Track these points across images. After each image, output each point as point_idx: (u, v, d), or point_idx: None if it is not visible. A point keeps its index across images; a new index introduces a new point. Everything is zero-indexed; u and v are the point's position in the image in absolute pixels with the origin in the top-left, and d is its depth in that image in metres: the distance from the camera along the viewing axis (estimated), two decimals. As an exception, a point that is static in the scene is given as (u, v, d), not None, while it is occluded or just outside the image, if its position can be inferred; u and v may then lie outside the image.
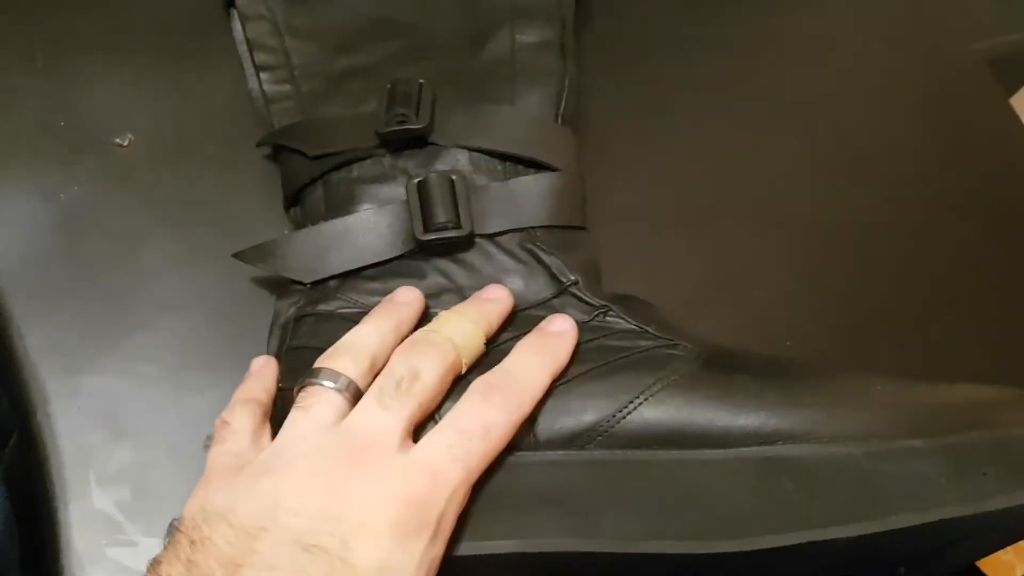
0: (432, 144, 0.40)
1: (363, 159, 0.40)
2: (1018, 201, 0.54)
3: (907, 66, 0.58)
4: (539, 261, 0.39)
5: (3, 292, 0.42)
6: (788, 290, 0.48)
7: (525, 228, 0.39)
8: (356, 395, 0.32)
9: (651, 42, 0.54)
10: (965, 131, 0.56)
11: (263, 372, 0.37)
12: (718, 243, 0.48)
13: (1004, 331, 0.49)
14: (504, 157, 0.41)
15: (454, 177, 0.39)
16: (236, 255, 0.40)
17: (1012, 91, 0.73)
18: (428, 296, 0.38)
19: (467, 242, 0.39)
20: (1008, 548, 0.68)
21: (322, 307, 0.39)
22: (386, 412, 0.31)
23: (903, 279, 0.50)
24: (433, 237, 0.38)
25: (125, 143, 0.45)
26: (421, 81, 0.40)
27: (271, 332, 0.40)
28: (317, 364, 0.34)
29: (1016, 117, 0.59)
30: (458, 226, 0.38)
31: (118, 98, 0.46)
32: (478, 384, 0.32)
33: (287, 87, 0.43)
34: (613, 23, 0.53)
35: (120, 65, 0.47)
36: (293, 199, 0.42)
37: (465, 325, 0.35)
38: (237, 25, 0.44)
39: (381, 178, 0.40)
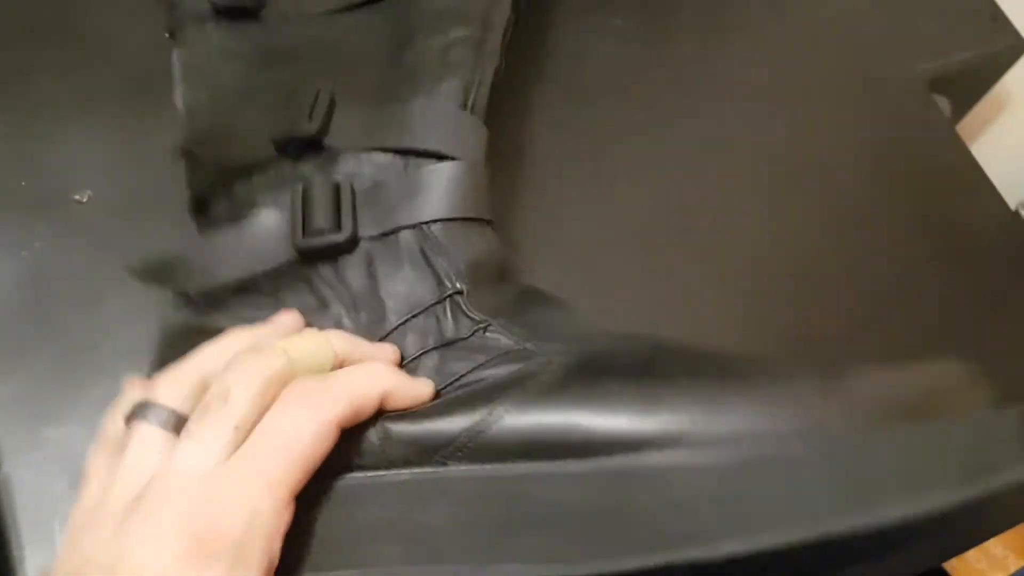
0: (329, 148, 0.40)
1: (264, 167, 0.40)
2: (959, 221, 0.55)
3: (850, 89, 0.59)
4: (428, 263, 0.38)
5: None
6: (734, 314, 0.49)
7: (417, 224, 0.38)
8: (180, 425, 0.30)
9: (602, 76, 0.55)
10: (906, 152, 0.58)
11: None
12: (666, 268, 0.50)
13: (947, 347, 0.50)
14: (400, 152, 0.40)
15: (340, 180, 0.38)
16: (129, 271, 0.40)
17: (961, 110, 0.74)
18: (316, 307, 0.37)
19: (351, 246, 0.38)
20: (981, 557, 0.69)
21: (208, 321, 0.37)
22: (190, 441, 0.29)
23: (848, 300, 0.51)
24: (310, 244, 0.37)
25: (84, 199, 0.47)
26: (319, 88, 0.39)
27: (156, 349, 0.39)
28: (140, 394, 0.31)
29: (957, 137, 0.61)
30: (336, 230, 0.37)
31: (77, 156, 0.48)
32: (282, 393, 0.30)
33: (204, 99, 0.43)
34: (566, 59, 0.55)
35: (78, 124, 0.48)
36: (198, 209, 0.42)
37: (310, 335, 0.33)
38: (176, 52, 0.45)
39: (279, 185, 0.39)
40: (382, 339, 0.36)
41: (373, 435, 0.32)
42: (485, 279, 0.39)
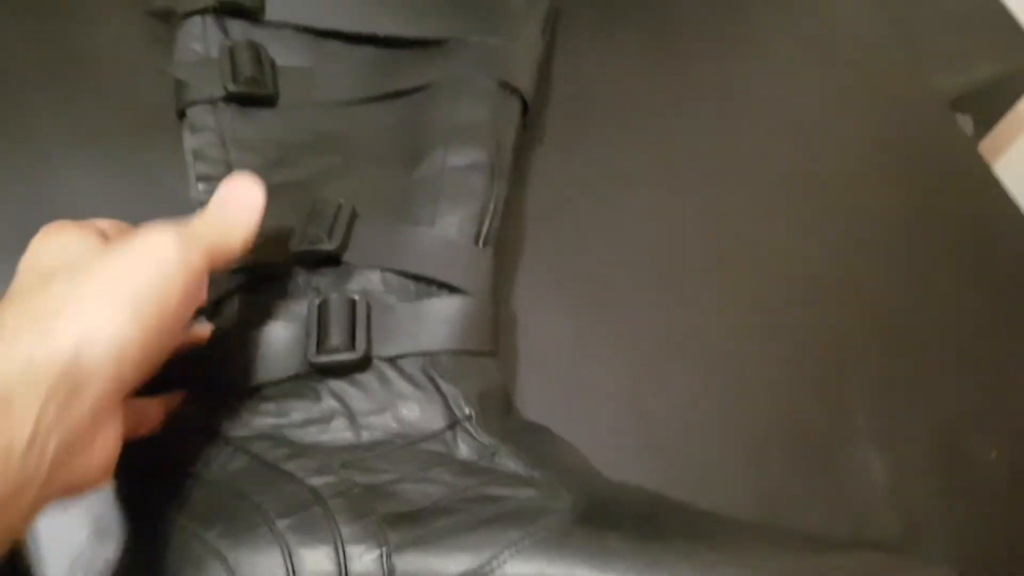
0: (345, 263, 0.41)
1: (279, 275, 0.40)
2: (981, 240, 0.54)
3: (870, 107, 0.59)
4: (437, 389, 0.38)
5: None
6: (755, 339, 0.48)
7: (427, 353, 0.39)
8: None
9: (610, 98, 0.55)
10: (928, 170, 0.57)
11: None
12: (681, 288, 0.49)
13: (975, 369, 0.49)
14: (416, 278, 0.41)
15: (356, 298, 0.39)
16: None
17: (984, 128, 0.73)
18: (319, 420, 0.37)
19: (363, 365, 0.38)
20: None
21: (211, 424, 0.38)
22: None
23: (868, 320, 0.50)
24: (324, 360, 0.37)
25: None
26: (340, 201, 0.41)
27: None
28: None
29: (979, 155, 0.59)
30: (350, 349, 0.38)
31: (82, 191, 0.47)
32: None
33: None
34: (569, 83, 0.54)
35: (83, 159, 0.48)
36: (212, 311, 0.41)
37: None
38: (187, 134, 0.44)
39: (294, 294, 0.40)
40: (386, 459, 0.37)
41: (376, 568, 0.32)
42: (491, 408, 0.39)
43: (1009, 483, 0.46)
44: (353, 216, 0.41)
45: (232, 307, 0.40)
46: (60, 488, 0.29)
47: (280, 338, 0.38)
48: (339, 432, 0.37)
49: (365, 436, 0.37)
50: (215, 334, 0.40)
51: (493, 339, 0.42)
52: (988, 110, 0.73)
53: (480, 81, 0.46)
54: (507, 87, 0.46)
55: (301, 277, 0.40)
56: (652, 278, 0.49)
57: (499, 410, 0.40)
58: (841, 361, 0.48)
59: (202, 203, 0.41)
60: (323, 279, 0.40)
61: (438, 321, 0.40)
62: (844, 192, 0.54)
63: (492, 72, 0.46)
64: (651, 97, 0.55)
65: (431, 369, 0.39)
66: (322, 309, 0.38)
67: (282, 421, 0.38)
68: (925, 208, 0.55)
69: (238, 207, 0.36)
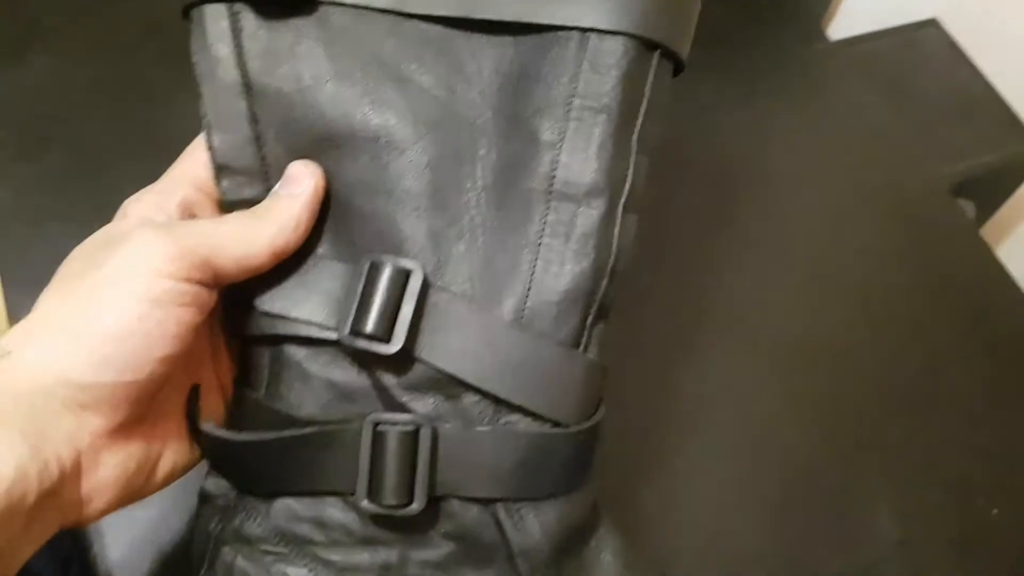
0: (410, 362, 0.32)
1: (319, 342, 0.32)
2: (984, 320, 0.58)
3: (875, 193, 0.63)
4: (500, 529, 0.33)
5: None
6: (776, 404, 0.52)
7: (496, 499, 0.32)
8: None
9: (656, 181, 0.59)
10: (931, 255, 0.61)
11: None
12: (712, 362, 0.53)
13: (978, 434, 0.53)
14: (493, 398, 0.32)
15: (421, 429, 0.31)
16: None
17: (986, 213, 0.77)
18: (369, 568, 0.33)
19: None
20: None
21: (245, 528, 0.34)
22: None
23: (881, 389, 0.54)
24: (378, 511, 0.32)
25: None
26: (409, 269, 0.31)
27: (194, 539, 0.36)
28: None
29: (981, 239, 0.64)
30: (406, 505, 0.31)
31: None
32: None
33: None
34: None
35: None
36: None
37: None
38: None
39: (339, 377, 0.32)
40: None
41: None
42: (566, 547, 0.34)
43: (1009, 538, 0.49)
44: (424, 296, 0.31)
45: (260, 361, 0.34)
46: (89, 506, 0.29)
47: (328, 454, 0.32)
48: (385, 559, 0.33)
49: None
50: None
51: (593, 467, 0.35)
52: (989, 196, 0.77)
53: (616, 44, 0.31)
54: (653, 48, 0.32)
55: (347, 360, 0.32)
56: (670, 346, 0.53)
57: (579, 541, 0.35)
58: (855, 425, 0.52)
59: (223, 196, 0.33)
60: (375, 375, 0.32)
61: (515, 463, 0.32)
62: (855, 272, 0.58)
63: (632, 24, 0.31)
64: (671, 181, 0.60)
65: (500, 513, 0.33)
66: (377, 445, 0.31)
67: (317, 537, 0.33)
68: (931, 287, 0.59)
69: (276, 198, 0.31)
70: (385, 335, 0.30)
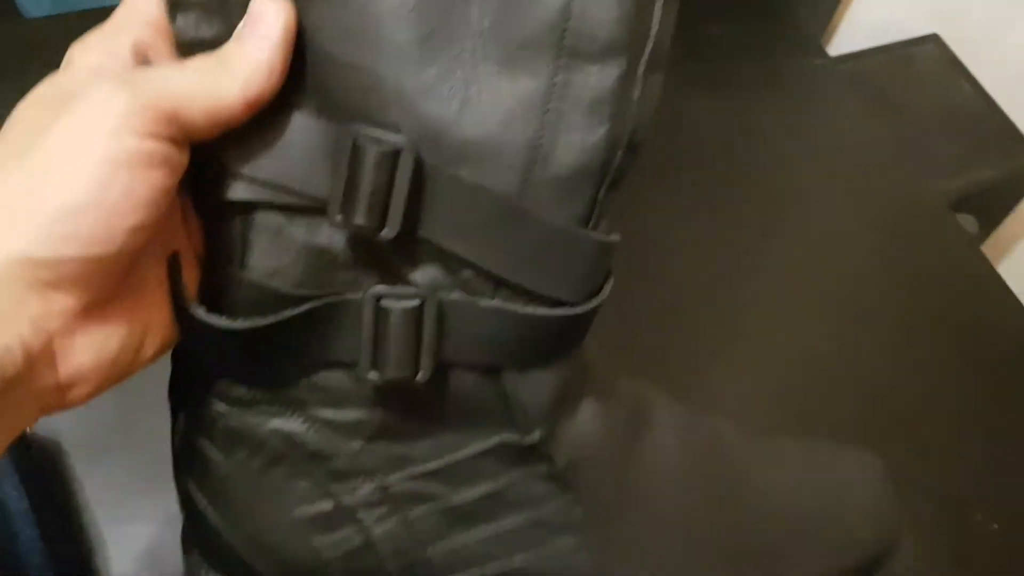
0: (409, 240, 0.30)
1: (307, 209, 0.29)
2: (985, 337, 0.58)
3: (873, 210, 0.63)
4: (500, 391, 0.33)
5: (64, 450, 0.47)
6: (774, 421, 0.52)
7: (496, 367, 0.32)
8: None
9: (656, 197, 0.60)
10: (930, 271, 0.61)
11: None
12: (705, 382, 0.53)
13: (977, 450, 0.53)
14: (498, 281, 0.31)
15: (426, 304, 0.30)
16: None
17: (988, 228, 0.78)
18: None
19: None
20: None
21: (234, 391, 0.32)
22: None
23: (879, 405, 0.54)
24: (383, 382, 0.31)
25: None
26: (398, 147, 0.27)
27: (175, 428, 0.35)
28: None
29: (981, 254, 0.64)
30: (412, 376, 0.30)
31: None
32: None
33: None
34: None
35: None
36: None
37: None
38: None
39: (326, 242, 0.30)
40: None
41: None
42: (567, 403, 0.35)
43: (1009, 553, 0.49)
44: (417, 168, 0.28)
45: (231, 230, 0.31)
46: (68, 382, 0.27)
47: (335, 337, 0.31)
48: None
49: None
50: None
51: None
52: (991, 211, 0.77)
53: None
54: None
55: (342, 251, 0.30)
56: (679, 366, 0.53)
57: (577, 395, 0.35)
58: (854, 442, 0.52)
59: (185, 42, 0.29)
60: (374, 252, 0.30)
61: (521, 334, 0.31)
62: (853, 288, 0.59)
63: None
64: (668, 197, 0.60)
65: (500, 377, 0.32)
66: (379, 319, 0.30)
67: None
68: (931, 302, 0.59)
69: (242, 40, 0.27)
70: (378, 223, 0.28)
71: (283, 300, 0.30)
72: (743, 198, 0.61)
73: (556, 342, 0.32)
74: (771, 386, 0.53)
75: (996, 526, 0.50)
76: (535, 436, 0.33)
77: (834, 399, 0.53)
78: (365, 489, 0.34)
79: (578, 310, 0.31)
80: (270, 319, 0.30)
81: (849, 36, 0.79)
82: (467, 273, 0.30)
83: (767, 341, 0.55)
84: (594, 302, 0.32)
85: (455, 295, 0.30)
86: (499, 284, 0.30)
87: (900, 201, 0.65)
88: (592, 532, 0.36)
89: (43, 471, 0.47)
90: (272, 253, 0.30)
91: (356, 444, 0.33)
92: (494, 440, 0.34)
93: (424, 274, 0.30)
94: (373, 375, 0.30)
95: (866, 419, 0.53)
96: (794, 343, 0.55)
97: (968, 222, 0.76)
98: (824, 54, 0.73)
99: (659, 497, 0.38)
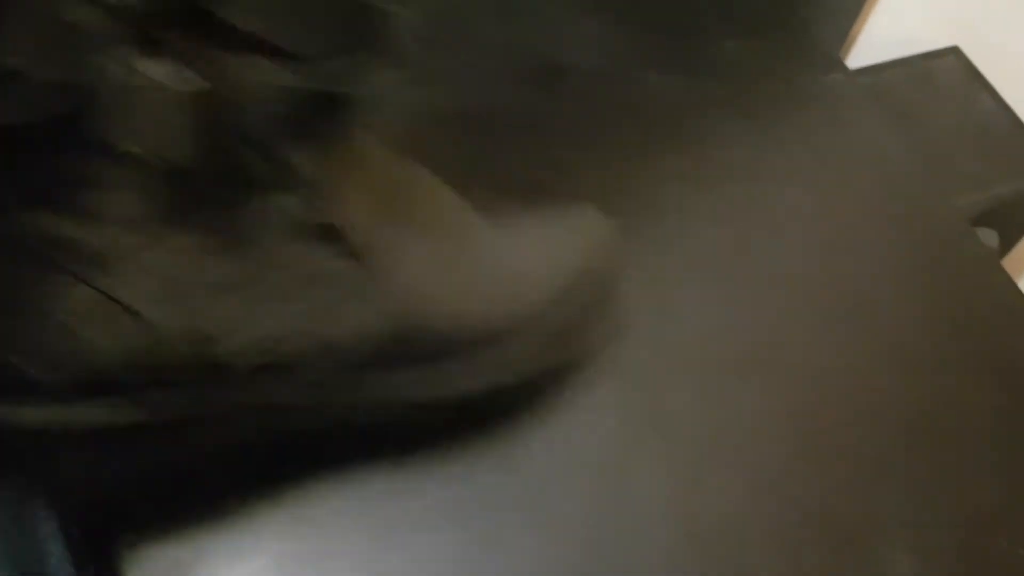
0: None
1: None
2: (1006, 354, 0.57)
3: (891, 225, 0.62)
4: (274, 166, 0.34)
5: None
6: (790, 440, 0.51)
7: None
8: None
9: (656, 214, 0.59)
10: (950, 286, 0.60)
11: None
12: (724, 397, 0.53)
13: (1000, 470, 0.52)
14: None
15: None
16: None
17: (1009, 242, 0.77)
18: None
19: None
20: None
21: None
22: None
23: (899, 424, 0.53)
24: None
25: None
26: None
27: None
28: None
29: (1002, 269, 0.63)
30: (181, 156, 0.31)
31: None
32: None
33: None
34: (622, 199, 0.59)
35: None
36: None
37: None
38: None
39: None
40: None
41: None
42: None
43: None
44: None
45: None
46: None
47: None
48: None
49: None
50: None
51: None
52: (1012, 225, 0.76)
53: None
54: None
55: None
56: (693, 379, 0.53)
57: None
58: (872, 461, 0.51)
59: None
60: None
61: None
62: (871, 303, 0.58)
63: None
64: (694, 213, 0.60)
65: None
66: (144, 99, 0.29)
67: None
68: (951, 318, 0.58)
69: None
70: None
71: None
72: (758, 216, 0.61)
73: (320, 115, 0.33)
74: (784, 405, 0.53)
75: (1023, 552, 0.49)
76: (304, 201, 0.34)
77: (851, 418, 0.53)
78: (140, 278, 0.33)
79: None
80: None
81: (868, 50, 0.78)
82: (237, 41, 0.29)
83: (782, 359, 0.54)
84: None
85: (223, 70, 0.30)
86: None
87: (920, 215, 0.64)
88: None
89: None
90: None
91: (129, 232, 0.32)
92: (265, 208, 0.34)
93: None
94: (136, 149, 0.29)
95: (884, 438, 0.52)
96: (810, 361, 0.55)
97: (989, 236, 0.75)
98: (843, 68, 0.73)
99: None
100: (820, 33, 0.74)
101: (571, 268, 0.47)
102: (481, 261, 0.44)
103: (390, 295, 0.39)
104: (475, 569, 0.45)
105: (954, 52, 0.77)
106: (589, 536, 0.47)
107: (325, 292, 0.37)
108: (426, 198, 0.42)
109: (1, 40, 0.27)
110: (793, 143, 0.65)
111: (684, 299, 0.56)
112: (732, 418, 0.52)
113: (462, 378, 0.43)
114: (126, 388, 0.36)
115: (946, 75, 0.76)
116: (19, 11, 0.27)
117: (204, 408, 0.38)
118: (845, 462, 0.51)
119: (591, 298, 0.48)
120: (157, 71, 0.28)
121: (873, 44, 0.78)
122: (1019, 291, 0.62)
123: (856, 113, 0.68)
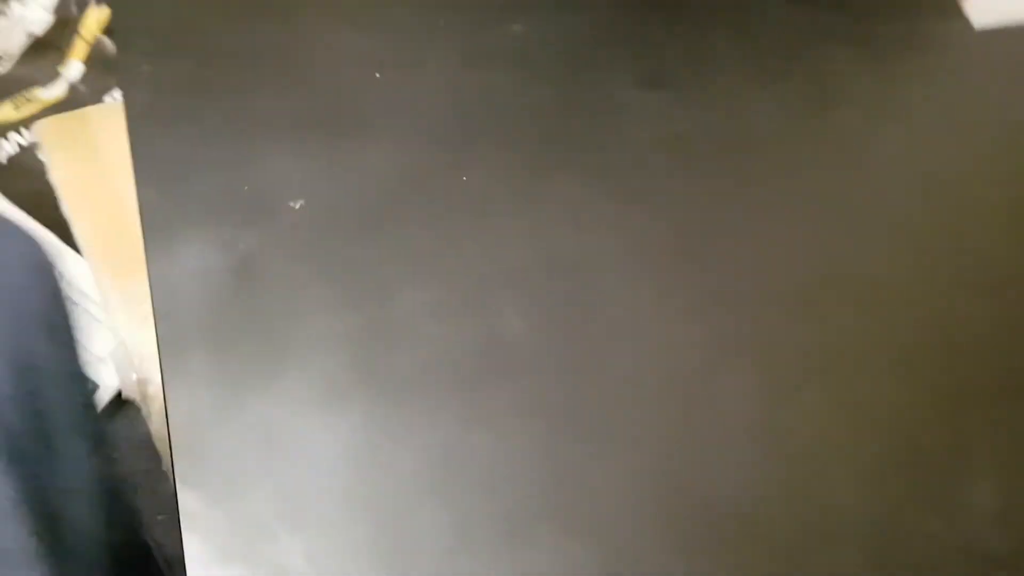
0: None
1: None
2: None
3: (1014, 197, 0.61)
4: None
5: (186, 324, 0.49)
6: (884, 368, 0.52)
7: None
8: None
9: (757, 146, 0.59)
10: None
11: None
12: (823, 321, 0.53)
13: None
14: None
15: None
16: None
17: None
18: None
19: None
20: None
21: None
22: None
23: (994, 364, 0.53)
24: None
25: (297, 207, 0.53)
26: None
27: None
28: None
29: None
30: None
31: (291, 169, 0.54)
32: None
33: None
34: (718, 130, 0.59)
35: (291, 140, 0.55)
36: None
37: None
38: None
39: None
40: None
41: None
42: None
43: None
44: None
45: None
46: None
47: None
48: None
49: None
50: None
51: None
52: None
53: None
54: None
55: None
56: (795, 302, 0.53)
57: None
58: (963, 396, 0.51)
59: None
60: None
61: None
62: (973, 246, 0.57)
63: None
64: (801, 141, 0.59)
65: None
66: None
67: None
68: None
69: None
70: None
71: None
72: (869, 146, 0.60)
73: None
74: (895, 329, 0.53)
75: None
76: None
77: (953, 349, 0.53)
78: None
79: None
80: None
81: (992, 8, 0.76)
82: None
83: (896, 288, 0.55)
84: None
85: None
86: None
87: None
88: None
89: None
90: None
91: None
92: None
93: None
94: None
95: (977, 369, 0.52)
96: (920, 291, 0.55)
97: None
98: (965, 20, 0.71)
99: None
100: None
101: None
102: None
103: None
104: (562, 467, 0.47)
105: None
106: (674, 451, 0.48)
107: None
108: None
109: None
110: (910, 84, 0.64)
111: (783, 222, 0.56)
112: (832, 341, 0.52)
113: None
114: None
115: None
116: None
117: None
118: (937, 394, 0.51)
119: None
120: None
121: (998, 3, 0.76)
122: None
123: (976, 67, 0.67)
